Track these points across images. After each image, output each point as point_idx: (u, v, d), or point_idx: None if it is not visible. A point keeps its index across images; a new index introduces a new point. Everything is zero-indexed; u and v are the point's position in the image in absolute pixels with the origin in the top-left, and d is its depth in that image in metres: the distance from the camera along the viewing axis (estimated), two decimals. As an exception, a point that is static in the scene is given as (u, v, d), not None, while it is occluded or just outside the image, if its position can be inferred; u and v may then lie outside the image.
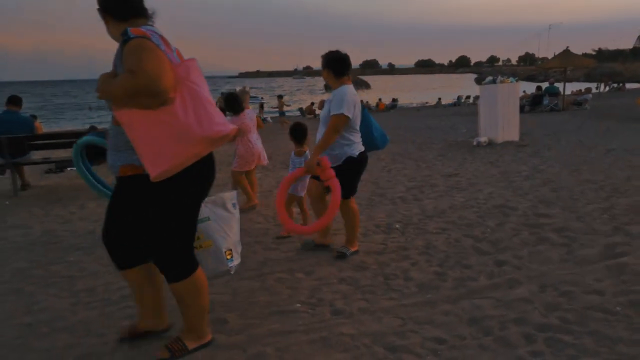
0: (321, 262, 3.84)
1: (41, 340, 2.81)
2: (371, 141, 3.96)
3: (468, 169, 7.47)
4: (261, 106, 23.70)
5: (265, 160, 5.75)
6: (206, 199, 2.61)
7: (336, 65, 3.65)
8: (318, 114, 23.98)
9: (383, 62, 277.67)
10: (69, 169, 9.11)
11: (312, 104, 25.92)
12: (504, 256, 3.78)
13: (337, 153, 3.68)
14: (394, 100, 31.06)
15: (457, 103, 29.18)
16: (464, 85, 55.71)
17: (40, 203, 6.27)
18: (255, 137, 5.60)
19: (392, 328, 2.77)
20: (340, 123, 3.54)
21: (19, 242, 4.67)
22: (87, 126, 21.21)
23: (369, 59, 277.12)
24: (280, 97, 22.15)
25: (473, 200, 5.53)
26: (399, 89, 61.47)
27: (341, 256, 3.86)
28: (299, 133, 4.68)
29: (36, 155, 7.57)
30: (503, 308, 2.95)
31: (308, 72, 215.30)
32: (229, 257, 2.71)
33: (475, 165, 7.77)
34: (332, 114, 3.55)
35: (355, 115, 3.63)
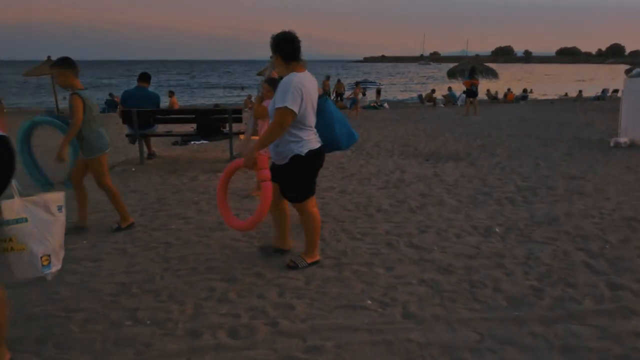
0: (405, 259, 3.64)
1: (129, 300, 3.06)
2: (333, 138, 3.48)
3: (597, 172, 6.55)
4: (378, 92, 23.43)
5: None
6: (27, 198, 2.48)
7: (284, 48, 3.11)
8: (439, 102, 23.06)
9: (518, 49, 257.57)
10: (192, 142, 9.90)
11: (433, 91, 24.94)
12: (622, 279, 3.23)
13: (281, 150, 3.21)
14: (525, 91, 28.61)
15: (601, 97, 25.91)
16: (614, 78, 49.42)
17: (160, 172, 6.88)
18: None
19: (466, 342, 2.51)
20: (285, 118, 3.03)
21: (135, 206, 5.15)
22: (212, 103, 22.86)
23: (502, 45, 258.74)
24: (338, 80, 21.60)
25: (596, 209, 4.82)
26: (534, 79, 56.57)
27: (293, 267, 3.44)
28: None
29: (161, 128, 8.29)
30: (608, 340, 2.51)
31: (434, 57, 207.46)
32: (45, 263, 2.53)
33: (607, 169, 6.79)
34: (276, 106, 3.07)
35: (305, 109, 3.10)
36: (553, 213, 4.70)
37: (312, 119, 3.22)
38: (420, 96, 25.78)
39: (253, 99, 20.80)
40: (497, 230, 4.25)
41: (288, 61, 3.14)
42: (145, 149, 7.71)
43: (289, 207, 3.62)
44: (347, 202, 5.24)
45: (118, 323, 2.78)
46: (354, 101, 17.96)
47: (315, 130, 3.28)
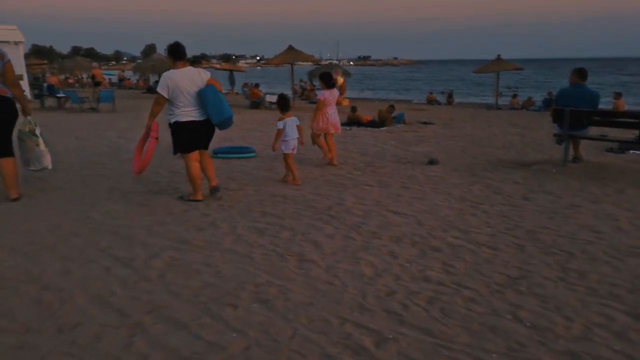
0: None
1: (515, 296, 3.04)
2: (207, 113, 4.95)
3: None
4: None
5: (338, 130, 7.16)
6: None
7: (171, 52, 4.89)
8: None
9: None
10: (631, 152, 8.56)
11: None
12: None
13: (167, 118, 5.01)
14: None
15: None
16: None
17: (581, 177, 6.31)
18: (332, 111, 7.06)
19: None
20: (158, 98, 4.85)
21: (545, 207, 4.98)
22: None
23: None
24: None
25: None
26: None
27: (182, 197, 5.28)
28: (283, 102, 6.02)
29: (594, 131, 7.53)
30: None
31: None
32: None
33: None
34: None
35: (173, 92, 4.80)
36: None
37: (183, 100, 4.84)
38: None
39: None
40: None
41: (175, 61, 4.88)
42: (571, 151, 7.23)
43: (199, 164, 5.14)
44: None
45: (498, 313, 2.84)
46: None
47: (188, 108, 4.87)
